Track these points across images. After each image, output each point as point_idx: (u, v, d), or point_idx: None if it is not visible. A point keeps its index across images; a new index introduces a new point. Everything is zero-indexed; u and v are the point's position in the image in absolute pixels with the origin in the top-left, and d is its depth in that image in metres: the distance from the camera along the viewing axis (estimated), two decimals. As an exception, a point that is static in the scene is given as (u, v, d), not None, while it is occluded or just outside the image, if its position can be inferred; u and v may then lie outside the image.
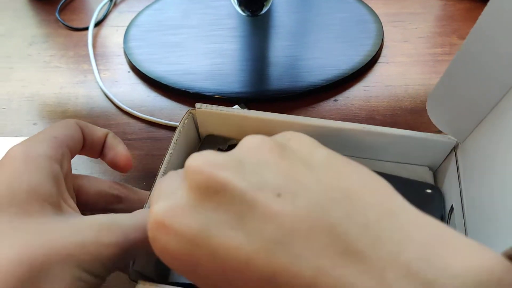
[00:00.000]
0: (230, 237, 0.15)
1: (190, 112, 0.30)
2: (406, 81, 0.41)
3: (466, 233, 0.24)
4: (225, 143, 0.31)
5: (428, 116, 0.28)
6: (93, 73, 0.44)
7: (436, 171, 0.31)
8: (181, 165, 0.29)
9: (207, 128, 0.31)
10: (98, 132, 0.25)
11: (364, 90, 0.41)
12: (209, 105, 0.30)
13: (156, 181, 0.25)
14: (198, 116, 0.30)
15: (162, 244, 0.16)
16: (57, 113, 0.40)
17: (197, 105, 0.30)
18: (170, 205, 0.16)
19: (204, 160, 0.16)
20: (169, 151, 0.27)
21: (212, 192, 0.16)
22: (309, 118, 0.29)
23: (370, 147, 0.29)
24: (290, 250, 0.14)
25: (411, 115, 0.38)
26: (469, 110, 0.26)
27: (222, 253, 0.15)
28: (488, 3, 0.21)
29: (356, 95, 0.40)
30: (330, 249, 0.14)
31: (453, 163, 0.28)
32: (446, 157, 0.29)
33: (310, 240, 0.14)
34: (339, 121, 0.28)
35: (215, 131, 0.31)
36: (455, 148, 0.28)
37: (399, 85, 0.41)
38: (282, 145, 0.17)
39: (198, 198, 0.16)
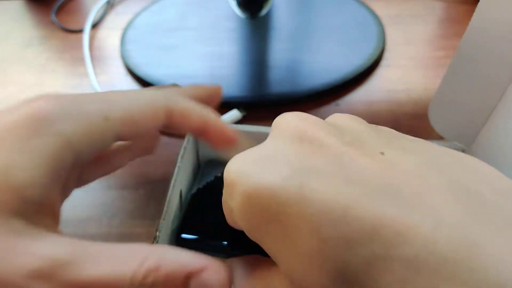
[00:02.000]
0: (327, 184, 0.13)
1: None
2: (408, 86, 0.41)
3: None
4: None
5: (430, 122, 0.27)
6: (89, 76, 0.43)
7: None
8: (188, 185, 0.28)
9: (207, 148, 0.30)
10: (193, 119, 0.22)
11: (366, 95, 0.40)
12: None
13: (168, 195, 0.24)
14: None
15: (246, 188, 0.14)
16: (53, 118, 0.39)
17: None
18: (255, 153, 0.15)
19: (297, 115, 0.16)
20: (178, 164, 0.26)
21: (306, 141, 0.15)
22: None
23: None
24: (402, 202, 0.12)
25: (414, 121, 0.37)
26: (471, 115, 0.25)
27: (315, 202, 0.13)
28: (478, 4, 0.20)
29: (357, 100, 0.39)
30: (457, 205, 0.12)
31: None
32: None
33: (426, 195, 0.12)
34: None
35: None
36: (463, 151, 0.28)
37: (401, 90, 0.40)
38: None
39: (290, 147, 0.15)
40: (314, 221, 0.13)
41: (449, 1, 0.51)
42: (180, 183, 0.26)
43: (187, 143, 0.27)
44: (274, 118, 0.28)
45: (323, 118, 0.17)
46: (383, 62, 0.43)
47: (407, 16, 0.49)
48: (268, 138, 0.17)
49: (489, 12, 0.20)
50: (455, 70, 0.23)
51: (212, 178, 0.28)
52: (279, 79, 0.41)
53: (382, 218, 0.12)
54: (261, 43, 0.45)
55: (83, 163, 0.19)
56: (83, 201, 0.33)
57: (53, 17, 0.50)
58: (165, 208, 0.23)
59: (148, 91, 0.22)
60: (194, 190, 0.28)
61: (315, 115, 0.16)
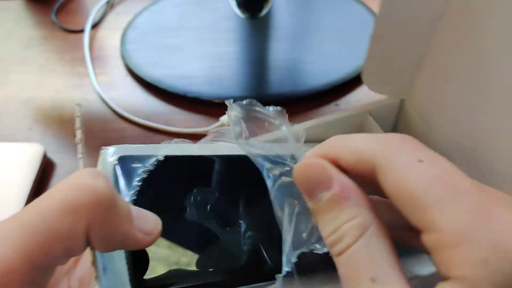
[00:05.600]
0: None
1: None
2: (408, 85, 0.41)
3: None
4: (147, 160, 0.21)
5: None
6: (89, 76, 0.43)
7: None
8: None
9: None
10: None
11: (366, 95, 0.40)
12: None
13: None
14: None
15: None
16: (53, 118, 0.39)
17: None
18: None
19: None
20: None
21: None
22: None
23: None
24: None
25: (414, 120, 0.37)
26: (400, 70, 0.27)
27: None
28: None
29: (357, 100, 0.40)
30: None
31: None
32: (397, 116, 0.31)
33: None
34: None
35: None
36: (402, 104, 0.30)
37: (401, 89, 0.40)
38: None
39: None
40: None
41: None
42: None
43: None
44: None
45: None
46: (383, 62, 0.43)
47: (407, 16, 0.49)
48: None
49: None
50: (380, 28, 0.25)
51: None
52: (279, 79, 0.41)
53: None
54: (261, 43, 0.45)
55: None
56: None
57: (53, 17, 0.50)
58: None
59: None
60: None
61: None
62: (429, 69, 0.26)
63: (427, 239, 0.14)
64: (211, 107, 0.39)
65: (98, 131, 0.38)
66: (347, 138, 0.17)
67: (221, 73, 0.41)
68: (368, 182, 0.16)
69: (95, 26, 0.49)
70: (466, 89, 0.23)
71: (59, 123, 0.39)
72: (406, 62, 0.26)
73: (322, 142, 0.18)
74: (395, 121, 0.31)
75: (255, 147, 0.20)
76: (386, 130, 0.31)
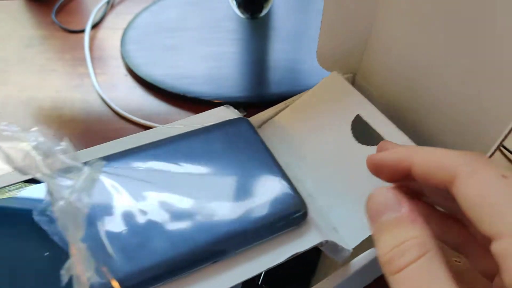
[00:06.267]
0: None
1: None
2: (408, 85, 0.41)
3: None
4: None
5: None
6: (89, 76, 0.43)
7: None
8: None
9: None
10: None
11: (366, 94, 0.40)
12: None
13: None
14: None
15: None
16: (53, 118, 0.39)
17: None
18: None
19: None
20: None
21: None
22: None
23: None
24: None
25: (414, 120, 0.37)
26: (349, 47, 0.31)
27: None
28: None
29: (357, 100, 0.39)
30: None
31: None
32: None
33: None
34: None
35: None
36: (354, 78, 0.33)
37: (401, 89, 0.40)
38: None
39: None
40: None
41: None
42: None
43: None
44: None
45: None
46: (383, 62, 0.43)
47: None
48: None
49: None
50: (328, 13, 0.30)
51: None
52: (279, 78, 0.41)
53: None
54: (261, 43, 0.45)
55: None
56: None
57: (53, 17, 0.50)
58: None
59: None
60: None
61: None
62: (375, 44, 0.30)
63: (497, 245, 0.14)
64: (211, 107, 0.39)
65: (98, 131, 0.38)
66: (424, 147, 0.18)
67: (221, 73, 0.42)
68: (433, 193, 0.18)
69: (95, 26, 0.49)
70: (408, 56, 0.28)
71: (59, 123, 0.39)
72: (355, 39, 0.30)
73: (398, 148, 0.19)
74: None
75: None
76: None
